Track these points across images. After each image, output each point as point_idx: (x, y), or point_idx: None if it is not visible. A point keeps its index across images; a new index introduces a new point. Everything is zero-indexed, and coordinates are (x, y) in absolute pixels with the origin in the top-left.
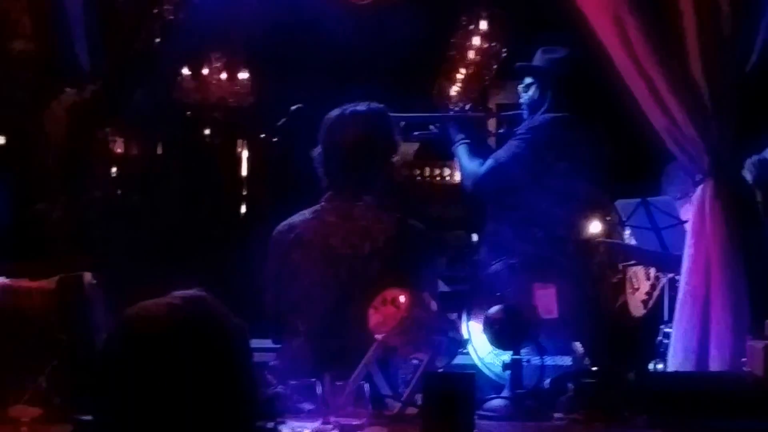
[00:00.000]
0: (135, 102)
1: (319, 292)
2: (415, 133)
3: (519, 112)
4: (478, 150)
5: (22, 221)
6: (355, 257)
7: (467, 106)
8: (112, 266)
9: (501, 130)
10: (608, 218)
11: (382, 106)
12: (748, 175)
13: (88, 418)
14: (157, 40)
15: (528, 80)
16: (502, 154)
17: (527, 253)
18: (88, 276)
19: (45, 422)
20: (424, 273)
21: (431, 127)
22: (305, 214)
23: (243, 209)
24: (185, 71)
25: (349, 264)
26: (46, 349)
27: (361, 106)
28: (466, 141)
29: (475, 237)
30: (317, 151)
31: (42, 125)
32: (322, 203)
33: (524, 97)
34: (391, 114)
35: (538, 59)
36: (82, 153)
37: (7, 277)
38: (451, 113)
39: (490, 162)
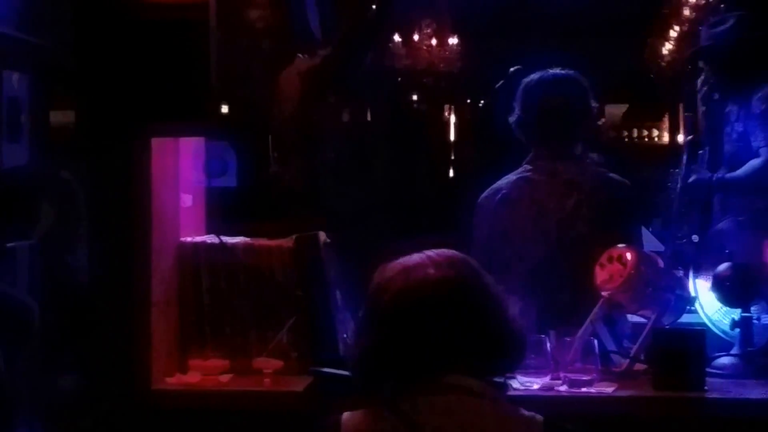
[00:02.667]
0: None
1: (530, 249)
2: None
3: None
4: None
5: (260, 184)
6: (563, 210)
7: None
8: (343, 226)
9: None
10: None
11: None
12: None
13: (328, 371)
14: (373, 6)
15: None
16: (764, 136)
17: (739, 217)
18: (322, 235)
19: (286, 374)
20: (630, 226)
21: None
22: (509, 177)
23: (451, 173)
24: (396, 38)
25: (558, 217)
26: (285, 305)
27: (558, 72)
28: (710, 175)
29: None
30: (515, 114)
31: (277, 90)
32: (525, 164)
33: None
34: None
35: (704, 37)
36: (313, 117)
37: (248, 237)
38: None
39: (764, 151)
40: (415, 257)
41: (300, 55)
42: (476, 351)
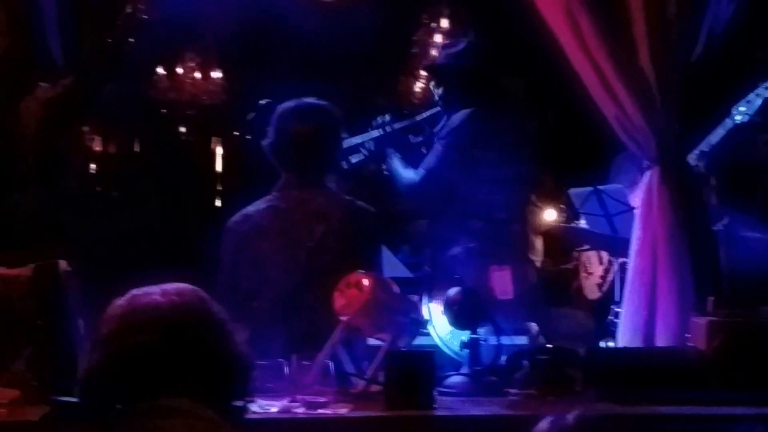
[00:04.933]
0: (112, 99)
1: (280, 276)
2: (353, 160)
3: (436, 110)
4: (412, 157)
5: None
6: (311, 239)
7: (387, 119)
8: (87, 256)
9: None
10: (562, 206)
11: (327, 103)
12: (701, 166)
13: (65, 399)
14: (131, 39)
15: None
16: (430, 160)
17: (469, 245)
18: (63, 264)
19: (23, 403)
20: (373, 252)
21: (361, 150)
22: (259, 204)
23: (218, 203)
24: (160, 70)
25: (306, 246)
26: (23, 334)
27: (310, 102)
28: (395, 154)
29: None
30: (268, 141)
31: (17, 118)
32: (275, 192)
33: (436, 95)
34: None
35: (440, 56)
36: (55, 145)
37: None
38: (375, 132)
39: (421, 171)
40: (147, 288)
41: (41, 83)
42: (200, 375)
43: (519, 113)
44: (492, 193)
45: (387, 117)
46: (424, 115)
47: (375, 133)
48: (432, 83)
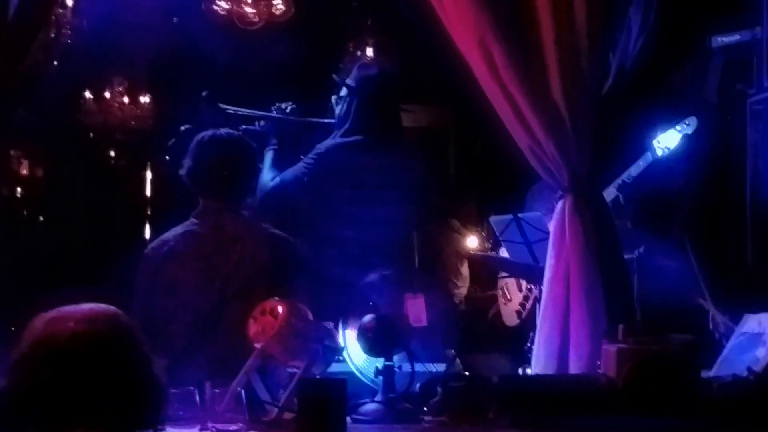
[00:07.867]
0: (37, 123)
1: (195, 301)
2: (243, 126)
3: (332, 121)
4: (286, 159)
5: None
6: (228, 263)
7: (288, 108)
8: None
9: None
10: (484, 233)
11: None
12: (620, 198)
13: None
14: (55, 62)
15: (343, 93)
16: (288, 174)
17: (322, 272)
18: None
19: None
20: (294, 279)
21: (257, 123)
22: (176, 229)
23: (147, 228)
24: (88, 94)
25: (223, 271)
26: None
27: (225, 131)
28: (275, 147)
29: None
30: (185, 168)
31: None
32: (192, 218)
33: (336, 110)
34: (222, 105)
35: (352, 75)
36: None
37: None
38: (274, 113)
39: (276, 180)
40: (65, 309)
41: None
42: (110, 404)
43: (408, 159)
44: (344, 228)
45: (288, 105)
46: (320, 120)
47: (273, 115)
48: (333, 97)
